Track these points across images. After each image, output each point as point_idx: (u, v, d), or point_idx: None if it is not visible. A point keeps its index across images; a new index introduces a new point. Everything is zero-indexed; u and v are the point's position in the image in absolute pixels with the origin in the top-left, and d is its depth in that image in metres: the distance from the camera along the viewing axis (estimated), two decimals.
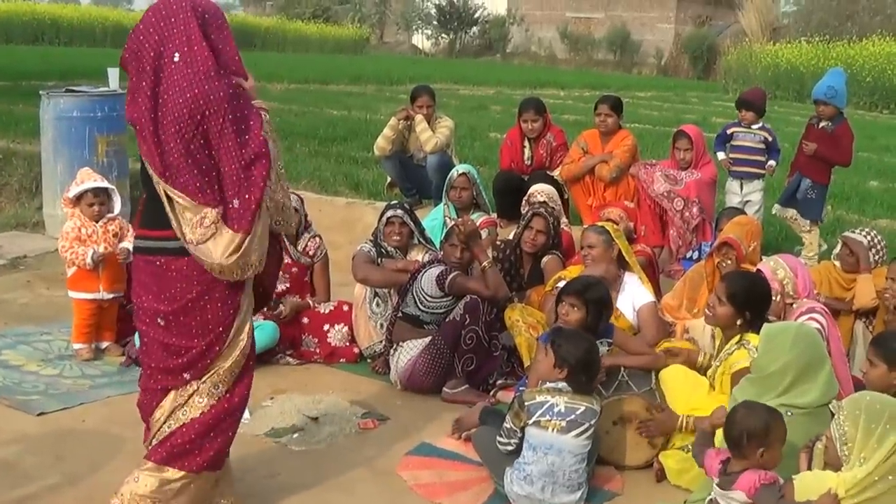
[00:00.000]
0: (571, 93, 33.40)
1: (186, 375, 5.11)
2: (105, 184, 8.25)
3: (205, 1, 5.14)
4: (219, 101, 4.83)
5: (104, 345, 8.20)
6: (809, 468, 5.06)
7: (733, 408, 5.30)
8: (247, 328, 5.26)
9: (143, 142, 4.85)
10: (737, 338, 6.41)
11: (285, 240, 8.41)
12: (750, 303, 6.42)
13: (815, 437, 5.12)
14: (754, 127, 10.49)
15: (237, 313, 5.18)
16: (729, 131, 10.64)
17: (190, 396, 5.13)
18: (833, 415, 4.85)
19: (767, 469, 5.05)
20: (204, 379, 5.14)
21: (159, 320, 5.07)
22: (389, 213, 8.47)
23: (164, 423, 5.15)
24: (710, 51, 54.79)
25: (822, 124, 10.09)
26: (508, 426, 5.88)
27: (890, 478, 4.61)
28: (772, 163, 10.41)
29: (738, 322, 6.42)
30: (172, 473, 5.15)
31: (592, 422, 5.79)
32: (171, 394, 5.15)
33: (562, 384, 5.86)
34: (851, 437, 4.69)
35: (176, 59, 4.85)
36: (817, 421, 5.23)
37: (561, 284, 7.32)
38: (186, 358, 5.09)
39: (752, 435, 5.08)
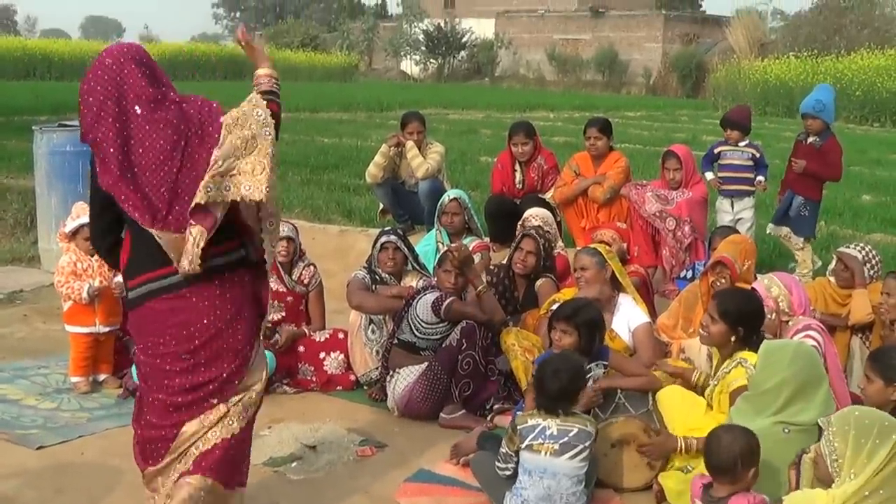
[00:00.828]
0: (561, 114, 33.50)
1: (214, 400, 5.02)
2: None
3: (135, 47, 5.15)
4: (192, 120, 4.90)
5: (101, 377, 8.21)
6: (798, 483, 5.08)
7: (714, 434, 5.33)
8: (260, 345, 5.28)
9: (125, 201, 4.77)
10: (734, 356, 6.42)
11: (280, 268, 8.47)
12: (742, 319, 6.43)
13: (802, 451, 5.14)
14: (741, 144, 10.50)
15: (259, 330, 5.20)
16: (716, 150, 10.64)
17: (220, 418, 5.03)
18: (822, 430, 4.87)
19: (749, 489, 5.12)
20: (235, 402, 5.06)
21: (184, 358, 4.95)
22: (383, 238, 8.50)
23: (193, 444, 5.02)
24: (698, 69, 54.97)
25: (809, 140, 10.09)
26: (504, 450, 5.88)
27: (881, 492, 4.63)
28: (760, 178, 10.43)
29: (732, 339, 6.44)
30: (216, 486, 5.11)
31: (587, 443, 5.79)
32: (197, 419, 5.02)
33: None
34: (841, 453, 4.70)
35: (138, 111, 4.85)
36: (814, 439, 5.24)
37: (555, 307, 7.34)
38: (214, 385, 5.00)
39: (743, 459, 5.14)
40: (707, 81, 48.77)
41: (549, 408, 5.84)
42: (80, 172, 11.22)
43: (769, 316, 6.84)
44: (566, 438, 5.73)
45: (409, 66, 73.05)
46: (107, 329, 8.16)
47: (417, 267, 8.60)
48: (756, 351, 6.00)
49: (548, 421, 5.77)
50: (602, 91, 57.79)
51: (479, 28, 70.77)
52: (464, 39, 70.64)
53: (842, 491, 4.68)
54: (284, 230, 8.46)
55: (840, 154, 10.17)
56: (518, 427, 5.79)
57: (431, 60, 71.41)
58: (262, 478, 6.52)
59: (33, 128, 11.95)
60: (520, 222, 9.54)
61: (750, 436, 5.28)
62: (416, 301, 7.73)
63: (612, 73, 62.62)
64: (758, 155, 10.46)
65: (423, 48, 71.24)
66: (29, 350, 9.09)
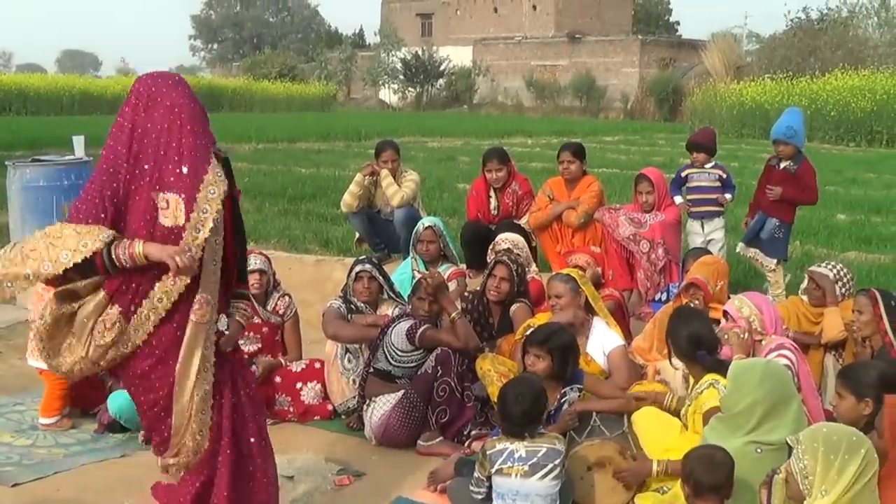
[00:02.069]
0: (539, 140, 33.64)
1: None
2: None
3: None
4: None
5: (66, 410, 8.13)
6: (769, 503, 5.09)
7: (690, 457, 5.35)
8: None
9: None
10: (707, 377, 6.45)
11: (253, 300, 8.45)
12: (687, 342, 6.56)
13: (773, 470, 5.16)
14: (707, 166, 10.55)
15: None
16: (683, 174, 10.68)
17: None
18: (791, 449, 4.90)
19: None
20: None
21: None
22: (358, 268, 8.52)
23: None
24: (675, 92, 55.33)
25: (783, 165, 10.12)
26: (477, 475, 5.91)
27: None
28: (727, 195, 10.47)
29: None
30: None
31: (556, 461, 5.80)
32: None
33: None
34: (812, 470, 4.73)
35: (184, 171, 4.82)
36: (786, 457, 5.27)
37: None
38: None
39: (724, 481, 5.19)
40: (684, 105, 49.13)
41: (516, 432, 5.86)
42: (53, 207, 11.23)
43: (742, 336, 6.88)
44: (535, 459, 5.75)
45: (388, 94, 73.28)
46: None
47: (393, 295, 8.62)
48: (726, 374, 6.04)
49: (515, 444, 5.80)
50: (580, 116, 58.09)
51: (457, 56, 71.07)
52: (441, 67, 70.91)
53: None
54: (256, 263, 8.48)
55: (815, 176, 10.20)
56: (487, 452, 5.82)
57: (410, 89, 71.66)
58: None
59: (7, 163, 11.95)
60: (490, 247, 9.57)
61: (725, 454, 5.33)
62: (390, 329, 7.74)
63: (589, 99, 62.93)
64: (724, 176, 10.51)
65: (401, 77, 71.50)
66: (4, 387, 9.03)
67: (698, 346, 6.54)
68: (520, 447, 5.78)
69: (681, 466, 5.45)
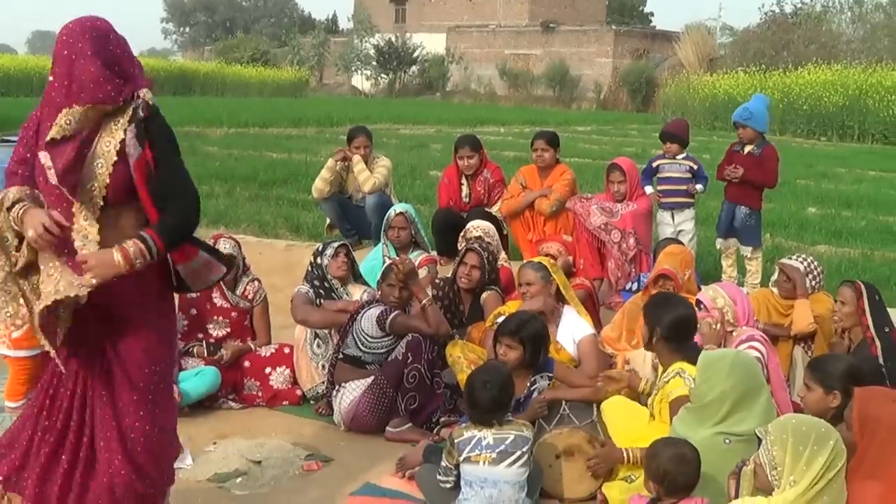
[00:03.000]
0: (511, 129, 33.66)
1: None
2: None
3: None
4: None
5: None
6: (737, 493, 5.11)
7: (661, 458, 5.34)
8: None
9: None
10: (673, 366, 6.45)
11: (222, 285, 8.44)
12: (658, 320, 6.54)
13: (742, 461, 5.17)
14: (679, 157, 10.56)
15: None
16: (655, 164, 10.69)
17: None
18: (760, 440, 4.91)
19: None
20: None
21: None
22: (336, 244, 8.57)
23: None
24: (648, 83, 55.49)
25: (747, 149, 10.15)
26: (444, 464, 5.90)
27: (826, 498, 4.69)
28: (698, 186, 10.47)
29: (655, 340, 6.53)
30: None
31: (524, 449, 5.79)
32: None
33: None
34: (780, 461, 4.75)
35: None
36: (754, 448, 5.28)
37: (500, 320, 7.36)
38: None
39: (692, 474, 5.20)
40: (657, 96, 49.30)
41: (484, 420, 5.86)
42: None
43: (714, 326, 6.89)
44: (503, 446, 5.74)
45: (361, 81, 73.13)
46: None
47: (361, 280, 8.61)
48: (695, 362, 6.04)
49: (483, 432, 5.79)
50: (553, 106, 58.13)
51: (430, 43, 70.96)
52: (415, 54, 70.83)
53: (782, 498, 4.73)
54: (226, 247, 8.44)
55: (777, 161, 10.21)
56: (455, 440, 5.80)
57: (382, 75, 71.56)
58: (206, 494, 6.49)
59: None
60: (461, 234, 9.56)
61: (693, 448, 5.33)
62: (360, 315, 7.73)
63: (562, 88, 62.95)
64: (695, 167, 10.51)
65: (374, 63, 71.37)
66: None
67: (680, 331, 6.53)
68: (487, 435, 5.77)
69: (647, 466, 5.44)
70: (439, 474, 5.94)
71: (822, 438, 4.76)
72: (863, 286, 7.43)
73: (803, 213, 15.22)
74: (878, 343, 7.18)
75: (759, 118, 10.14)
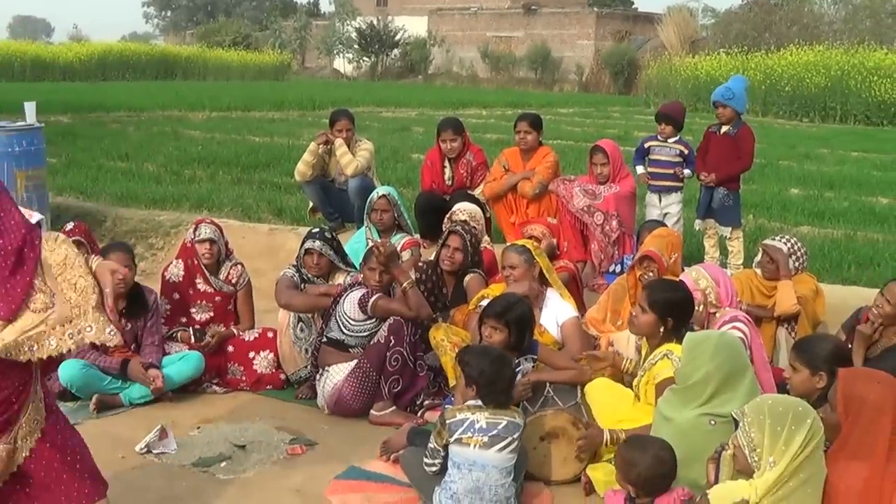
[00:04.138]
0: (494, 112, 33.57)
1: None
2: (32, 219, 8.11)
3: None
4: None
5: None
6: (717, 478, 5.12)
7: (638, 465, 5.34)
8: None
9: None
10: (661, 348, 6.45)
11: (205, 270, 8.42)
12: (671, 309, 6.46)
13: (721, 446, 5.18)
14: (670, 141, 10.53)
15: None
16: (646, 145, 10.66)
17: None
18: (737, 422, 4.92)
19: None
20: None
21: None
22: (308, 244, 8.44)
23: None
24: (630, 65, 55.35)
25: (723, 130, 10.14)
26: (433, 446, 5.87)
27: (801, 475, 4.72)
28: (686, 171, 10.44)
29: (661, 330, 6.48)
30: None
31: (515, 435, 5.79)
32: None
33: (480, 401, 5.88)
34: (759, 443, 4.77)
35: None
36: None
37: (484, 303, 7.36)
38: None
39: (670, 470, 5.24)
40: (639, 78, 49.17)
41: (502, 402, 5.88)
42: (4, 174, 11.08)
43: (697, 308, 6.89)
44: (495, 431, 5.73)
45: (343, 64, 72.92)
46: None
47: (345, 267, 8.56)
48: (682, 343, 6.03)
49: (476, 415, 5.77)
50: (535, 88, 58.01)
51: (412, 26, 70.75)
52: (397, 37, 70.59)
53: (763, 480, 4.76)
54: (207, 232, 8.43)
55: (753, 142, 10.20)
56: (447, 421, 5.77)
57: (364, 59, 71.32)
58: (190, 479, 6.49)
59: None
60: (447, 217, 9.54)
61: (663, 446, 5.38)
62: (342, 298, 7.72)
63: (544, 71, 62.83)
64: (686, 151, 10.46)
65: (356, 46, 71.11)
66: None
67: (686, 315, 6.53)
68: (480, 418, 5.76)
69: (625, 472, 5.43)
70: (426, 456, 5.92)
71: (799, 417, 4.78)
72: None
73: (786, 194, 15.21)
74: None
75: (740, 98, 10.14)
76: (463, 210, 9.49)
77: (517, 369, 6.81)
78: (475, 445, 5.71)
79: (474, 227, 9.11)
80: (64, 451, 4.66)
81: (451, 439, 5.74)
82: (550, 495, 6.34)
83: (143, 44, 74.12)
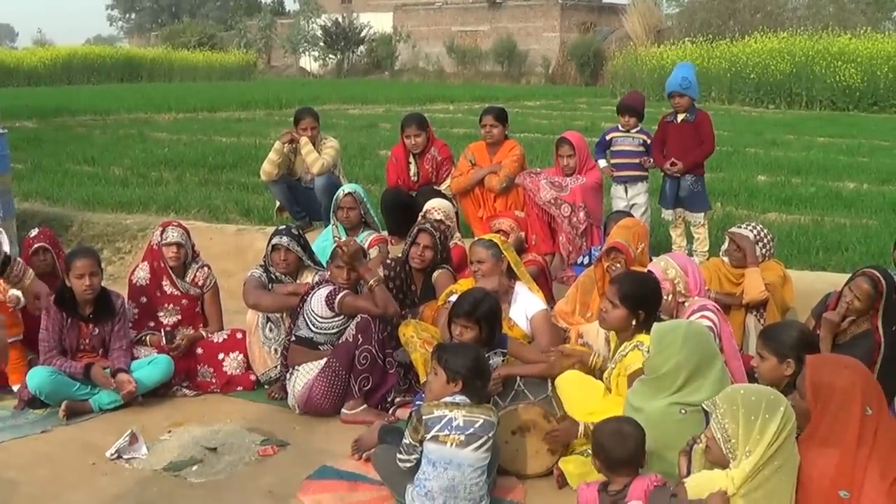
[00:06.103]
0: (461, 106, 33.60)
1: None
2: None
3: None
4: None
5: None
6: (689, 470, 5.13)
7: (599, 433, 5.37)
8: None
9: None
10: (631, 339, 6.45)
11: (171, 273, 8.39)
12: (642, 302, 6.47)
13: (693, 439, 5.19)
14: (633, 131, 10.50)
15: None
16: (608, 137, 10.63)
17: None
18: (708, 414, 4.93)
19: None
20: None
21: None
22: (275, 240, 8.43)
23: None
24: (596, 57, 55.40)
25: (680, 118, 10.13)
26: (408, 441, 5.83)
27: (775, 463, 4.73)
28: (651, 160, 10.41)
29: (633, 323, 6.48)
30: None
31: (490, 434, 5.78)
32: None
33: (459, 398, 5.85)
34: (734, 434, 4.79)
35: None
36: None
37: (453, 298, 7.34)
38: None
39: (635, 453, 5.25)
40: (605, 69, 49.22)
41: (482, 396, 5.97)
42: None
43: (666, 297, 6.89)
44: (472, 430, 5.72)
45: (308, 62, 72.81)
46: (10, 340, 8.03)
47: (312, 265, 8.54)
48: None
49: (454, 412, 5.75)
50: (501, 82, 58.00)
51: (377, 22, 70.70)
52: (362, 34, 70.54)
53: (740, 470, 4.78)
54: (174, 235, 8.41)
55: (711, 125, 10.18)
56: (424, 417, 5.74)
57: (330, 56, 71.23)
58: (161, 483, 6.46)
59: None
60: (421, 214, 9.51)
61: (635, 426, 5.40)
62: (310, 296, 7.72)
63: (511, 64, 62.85)
64: (649, 141, 10.44)
65: (322, 44, 71.01)
66: None
67: (654, 307, 6.54)
68: (458, 415, 5.74)
69: (594, 450, 5.46)
70: (401, 452, 5.87)
71: (772, 406, 4.79)
72: (884, 284, 7.03)
73: (753, 182, 15.26)
74: (882, 339, 6.96)
75: (695, 87, 10.17)
76: (437, 208, 9.47)
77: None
78: (452, 444, 5.69)
79: (448, 227, 9.11)
80: None
81: (428, 436, 5.72)
82: (523, 489, 6.34)
83: (108, 46, 73.73)
